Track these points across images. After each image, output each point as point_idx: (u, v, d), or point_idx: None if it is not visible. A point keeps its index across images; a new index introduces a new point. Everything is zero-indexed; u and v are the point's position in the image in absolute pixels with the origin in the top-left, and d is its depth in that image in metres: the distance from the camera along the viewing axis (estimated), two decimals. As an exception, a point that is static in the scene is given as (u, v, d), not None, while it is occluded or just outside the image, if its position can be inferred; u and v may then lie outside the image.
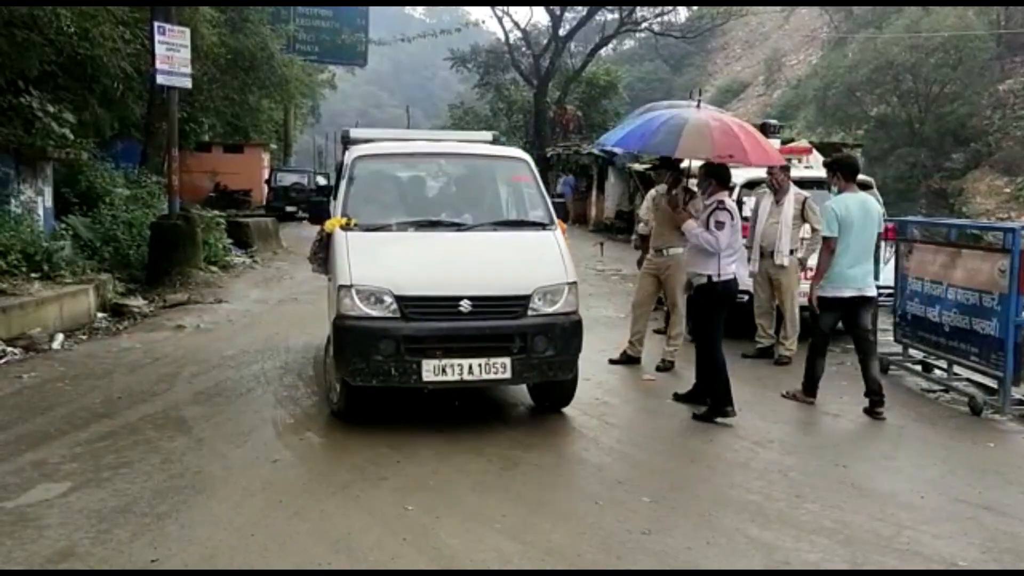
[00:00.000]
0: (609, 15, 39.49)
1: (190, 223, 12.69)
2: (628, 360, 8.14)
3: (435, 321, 5.59)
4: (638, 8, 36.62)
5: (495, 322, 5.65)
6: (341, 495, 4.76)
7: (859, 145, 31.21)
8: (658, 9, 38.24)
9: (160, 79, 12.07)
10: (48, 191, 12.23)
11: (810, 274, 8.75)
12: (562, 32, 36.55)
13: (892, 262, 8.42)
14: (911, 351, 8.18)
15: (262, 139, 29.80)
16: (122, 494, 4.67)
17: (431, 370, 5.49)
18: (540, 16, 39.18)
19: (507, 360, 5.57)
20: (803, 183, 8.76)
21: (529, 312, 5.70)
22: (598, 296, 12.51)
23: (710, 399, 6.44)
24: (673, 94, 57.35)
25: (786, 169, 8.54)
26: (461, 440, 5.76)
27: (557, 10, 36.74)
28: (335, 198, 6.65)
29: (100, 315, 9.69)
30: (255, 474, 5.05)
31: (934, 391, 7.54)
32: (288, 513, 4.47)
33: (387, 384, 5.56)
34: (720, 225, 6.28)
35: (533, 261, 6.03)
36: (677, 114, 6.78)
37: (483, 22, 51.17)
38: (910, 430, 6.41)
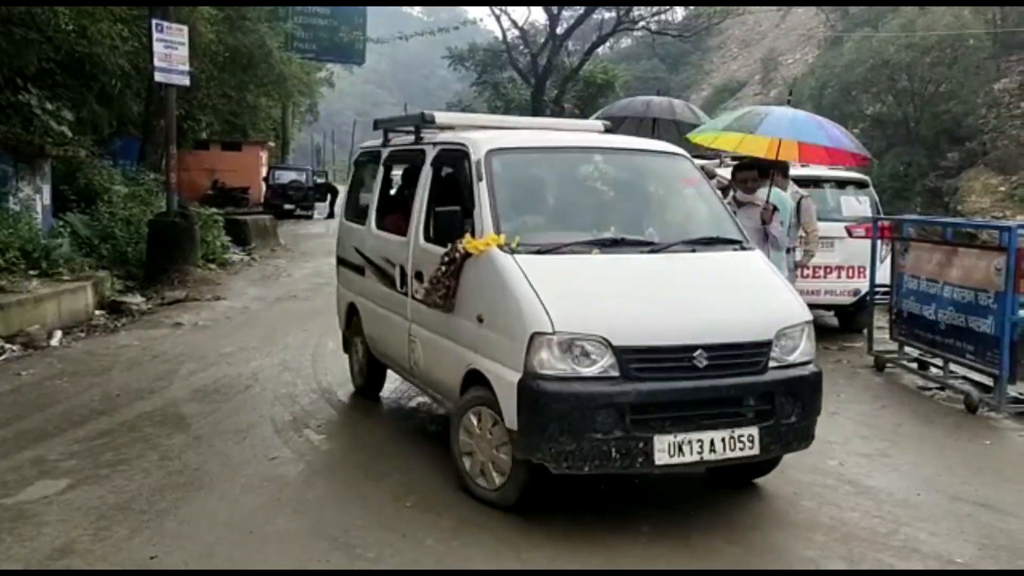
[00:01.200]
0: (607, 14, 39.48)
1: (188, 220, 12.69)
2: None
3: (664, 381, 4.24)
4: (635, 7, 36.61)
5: (736, 379, 4.33)
6: (340, 492, 4.77)
7: (856, 144, 31.17)
8: (655, 8, 38.22)
9: (158, 77, 12.05)
10: (46, 188, 12.22)
11: (806, 272, 8.83)
12: (559, 31, 36.52)
13: (888, 260, 8.43)
14: (907, 349, 8.20)
15: (260, 137, 29.78)
16: (121, 491, 4.68)
17: (665, 449, 4.12)
18: (538, 15, 39.07)
19: (754, 430, 4.28)
20: (799, 182, 8.78)
21: (771, 363, 4.44)
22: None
23: None
24: (670, 93, 57.42)
25: (783, 168, 8.54)
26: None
27: (555, 9, 36.72)
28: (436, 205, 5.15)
29: (98, 312, 9.69)
30: (253, 471, 5.06)
31: (930, 389, 7.56)
32: (287, 510, 4.48)
33: (602, 470, 4.14)
34: (781, 223, 7.08)
35: (760, 294, 4.74)
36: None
37: (481, 20, 51.14)
38: (906, 428, 6.43)
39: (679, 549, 4.15)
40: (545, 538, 4.21)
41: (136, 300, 10.47)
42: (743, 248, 5.01)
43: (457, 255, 4.70)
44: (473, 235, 4.65)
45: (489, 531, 4.29)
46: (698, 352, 4.21)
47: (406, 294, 5.46)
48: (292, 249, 17.57)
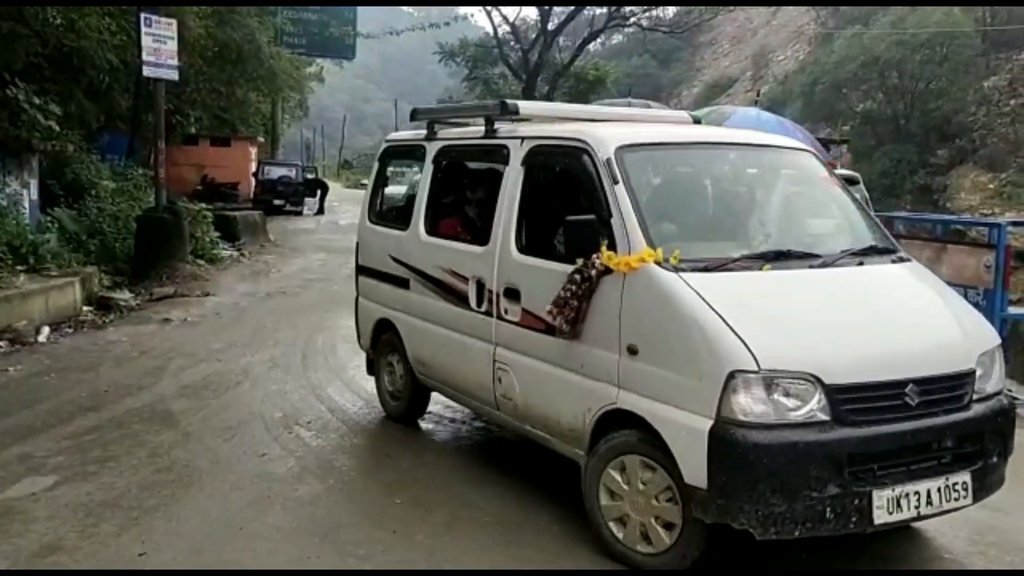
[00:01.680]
0: (598, 10, 39.47)
1: (177, 216, 12.62)
2: None
3: (879, 423, 3.58)
4: (627, 6, 36.65)
5: (945, 417, 3.71)
6: (330, 488, 4.76)
7: (845, 141, 31.31)
8: (646, 4, 38.25)
9: (147, 71, 11.98)
10: (34, 183, 12.14)
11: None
12: (551, 27, 36.51)
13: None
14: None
15: (249, 132, 29.66)
16: (109, 488, 4.65)
17: (883, 505, 3.50)
18: (529, 10, 39.07)
19: (966, 476, 3.72)
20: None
21: (974, 395, 3.84)
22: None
23: None
24: (661, 89, 57.47)
25: None
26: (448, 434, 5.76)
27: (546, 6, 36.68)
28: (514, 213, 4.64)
29: (86, 308, 9.63)
30: (243, 468, 5.04)
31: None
32: (276, 507, 4.47)
33: (813, 534, 3.51)
34: None
35: (951, 314, 4.10)
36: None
37: (472, 16, 51.01)
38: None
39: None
40: (536, 534, 4.20)
41: (124, 296, 10.41)
42: (902, 259, 4.38)
43: (593, 272, 3.91)
44: (612, 248, 3.89)
45: (480, 527, 4.28)
46: (909, 387, 3.60)
47: (488, 313, 4.68)
48: (282, 245, 17.52)
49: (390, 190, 6.68)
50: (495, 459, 5.35)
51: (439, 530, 4.24)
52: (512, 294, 4.52)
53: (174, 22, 12.18)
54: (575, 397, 4.14)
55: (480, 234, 4.97)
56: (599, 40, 48.89)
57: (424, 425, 5.96)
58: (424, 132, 5.68)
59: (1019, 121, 29.14)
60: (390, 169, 6.64)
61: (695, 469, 3.49)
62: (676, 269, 3.73)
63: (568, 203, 4.42)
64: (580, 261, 3.98)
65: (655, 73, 60.07)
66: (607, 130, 4.49)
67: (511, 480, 4.96)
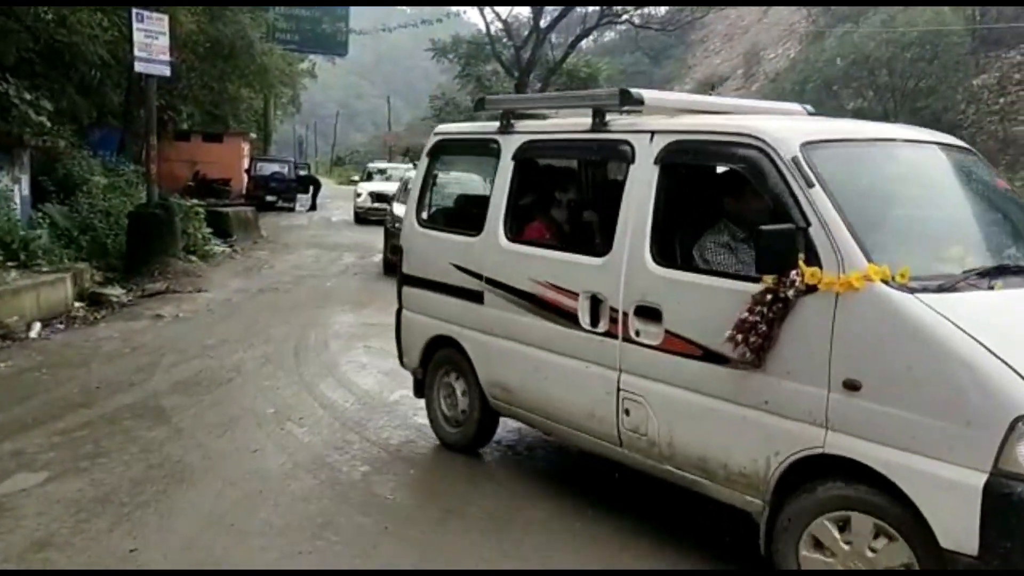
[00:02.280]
0: (590, 8, 39.46)
1: (169, 212, 12.59)
2: None
3: None
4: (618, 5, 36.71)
5: None
6: (322, 484, 4.77)
7: (837, 139, 31.34)
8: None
9: (138, 67, 11.95)
10: (25, 179, 12.10)
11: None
12: (543, 24, 36.49)
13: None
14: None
15: (242, 128, 29.59)
16: (100, 484, 4.66)
17: None
18: (521, 8, 39.04)
19: None
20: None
21: None
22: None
23: None
24: (653, 86, 57.41)
25: None
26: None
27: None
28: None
29: (78, 304, 9.61)
30: (235, 464, 5.04)
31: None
32: (268, 503, 4.48)
33: None
34: None
35: None
36: None
37: (464, 12, 50.98)
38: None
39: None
40: (525, 528, 4.23)
41: (116, 292, 10.39)
42: None
43: (791, 292, 3.31)
44: (811, 263, 3.30)
45: (472, 521, 4.31)
46: None
47: (610, 335, 4.06)
48: (274, 241, 17.49)
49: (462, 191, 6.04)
50: (489, 455, 5.36)
51: (432, 526, 4.26)
52: (647, 313, 3.90)
53: (166, 18, 12.15)
54: (753, 438, 3.52)
55: (589, 243, 4.52)
56: (591, 37, 48.89)
57: (422, 421, 5.97)
58: (495, 124, 5.01)
59: (1008, 119, 29.30)
60: (438, 167, 5.90)
61: (959, 532, 2.93)
62: (907, 289, 3.14)
63: (728, 209, 3.99)
64: (770, 278, 3.36)
65: (647, 70, 60.11)
66: (779, 123, 3.99)
67: (506, 476, 4.99)
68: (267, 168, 26.84)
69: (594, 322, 4.16)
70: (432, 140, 5.72)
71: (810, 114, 5.04)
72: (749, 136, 3.66)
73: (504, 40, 38.30)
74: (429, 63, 49.60)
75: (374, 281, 12.45)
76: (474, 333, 4.98)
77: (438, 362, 5.41)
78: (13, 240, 9.98)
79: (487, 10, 37.27)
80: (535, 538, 4.15)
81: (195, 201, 16.44)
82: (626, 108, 4.35)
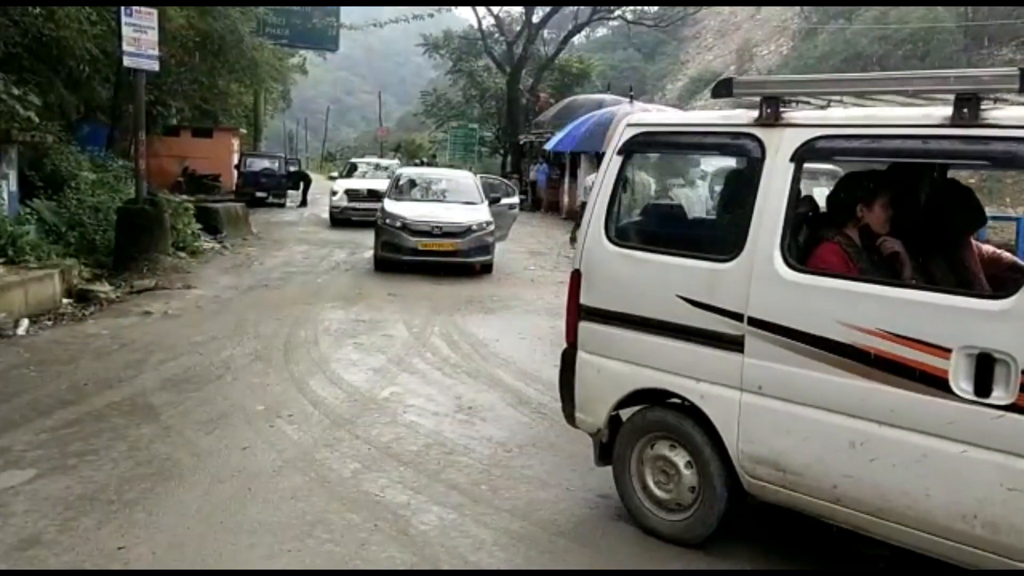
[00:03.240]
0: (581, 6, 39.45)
1: (157, 208, 12.52)
2: None
3: None
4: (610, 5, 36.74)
5: None
6: (311, 482, 4.75)
7: (828, 135, 31.49)
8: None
9: (127, 61, 11.87)
10: (12, 175, 12.01)
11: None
12: (535, 19, 36.45)
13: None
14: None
15: (232, 123, 29.48)
16: (88, 481, 4.63)
17: None
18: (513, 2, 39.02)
19: None
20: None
21: None
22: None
23: None
24: (646, 83, 57.53)
25: None
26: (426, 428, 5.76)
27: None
28: None
29: (66, 301, 9.55)
30: (224, 461, 5.02)
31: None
32: (258, 500, 4.46)
33: None
34: None
35: None
36: (603, 113, 7.34)
37: (455, 7, 50.81)
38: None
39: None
40: (532, 528, 4.22)
41: (105, 288, 10.32)
42: None
43: None
44: None
45: (466, 514, 4.29)
46: None
47: (1019, 409, 3.06)
48: (264, 237, 17.41)
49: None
50: (484, 454, 5.35)
51: (424, 524, 4.25)
52: None
53: (155, 12, 12.05)
54: None
55: (961, 279, 3.78)
56: (583, 33, 48.87)
57: (412, 418, 5.95)
58: (745, 115, 3.94)
59: (999, 116, 29.38)
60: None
61: None
62: None
63: None
64: None
65: (640, 67, 60.16)
66: None
67: (501, 473, 4.98)
68: (257, 164, 26.71)
69: (982, 390, 3.13)
70: (623, 133, 4.41)
71: None
72: None
73: (496, 36, 38.27)
74: (420, 58, 49.58)
75: (365, 277, 12.42)
76: (722, 390, 3.85)
77: (642, 424, 4.28)
78: (1, 236, 9.91)
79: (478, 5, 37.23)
80: (539, 537, 4.14)
81: (184, 197, 16.37)
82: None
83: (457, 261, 12.69)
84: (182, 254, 13.18)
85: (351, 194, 20.40)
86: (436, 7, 35.85)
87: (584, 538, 4.15)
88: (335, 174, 27.45)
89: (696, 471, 4.01)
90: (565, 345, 4.52)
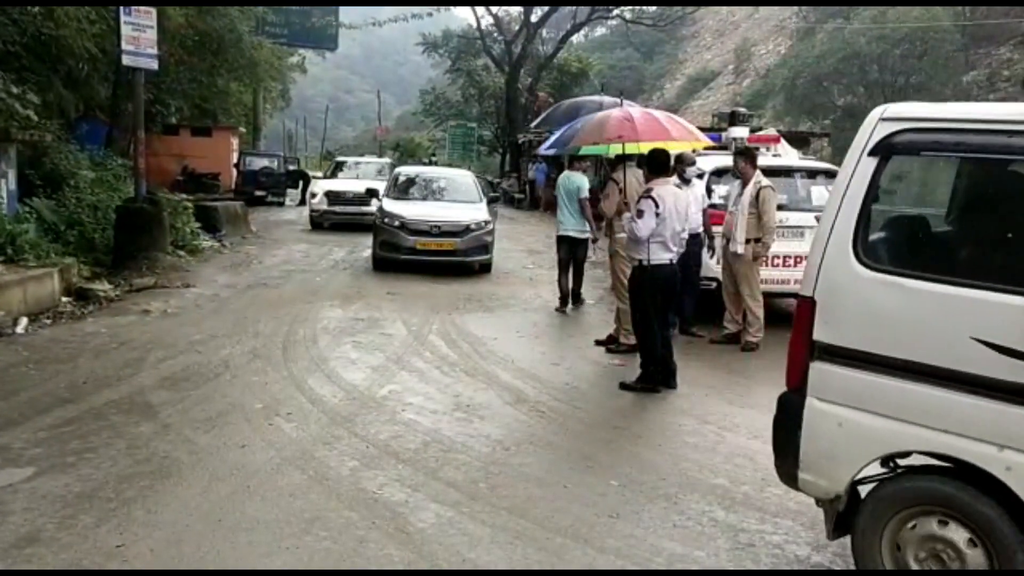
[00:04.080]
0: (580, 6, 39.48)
1: (157, 206, 12.53)
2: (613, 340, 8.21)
3: None
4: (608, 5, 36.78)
5: None
6: (310, 480, 4.76)
7: (826, 135, 31.53)
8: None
9: (126, 60, 11.87)
10: (12, 173, 12.00)
11: (777, 261, 8.92)
12: (534, 18, 36.46)
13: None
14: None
15: (231, 122, 29.46)
16: (87, 479, 4.64)
17: None
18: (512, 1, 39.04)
19: None
20: (769, 172, 8.84)
21: None
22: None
23: (641, 374, 6.89)
24: (644, 82, 57.58)
25: (750, 157, 8.63)
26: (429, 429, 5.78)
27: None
28: None
29: (65, 299, 9.55)
30: (223, 459, 5.03)
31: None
32: (256, 498, 4.47)
33: None
34: (640, 214, 6.66)
35: None
36: (591, 115, 7.57)
37: (454, 7, 50.82)
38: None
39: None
40: (532, 528, 4.23)
41: (104, 287, 10.32)
42: None
43: None
44: None
45: (463, 512, 4.30)
46: None
47: None
48: (263, 236, 17.42)
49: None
50: (482, 452, 5.36)
51: (422, 522, 4.26)
52: None
53: (153, 11, 12.05)
54: None
55: None
56: (582, 32, 48.89)
57: (411, 417, 5.97)
58: None
59: (997, 116, 29.37)
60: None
61: None
62: None
63: None
64: None
65: (638, 66, 60.20)
66: None
67: (498, 471, 4.99)
68: (256, 162, 26.73)
69: None
70: (877, 129, 3.60)
71: None
72: None
73: (494, 35, 38.28)
74: (419, 57, 49.57)
75: (363, 276, 12.44)
76: None
77: (900, 495, 3.44)
78: (0, 234, 9.91)
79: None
80: (541, 538, 4.15)
81: (183, 196, 16.35)
82: None
83: (456, 260, 12.64)
84: (181, 253, 13.18)
85: (332, 197, 18.89)
86: (435, 7, 35.86)
87: (581, 536, 4.16)
88: (319, 174, 25.76)
89: (984, 550, 3.17)
90: (785, 389, 3.73)
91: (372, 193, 15.73)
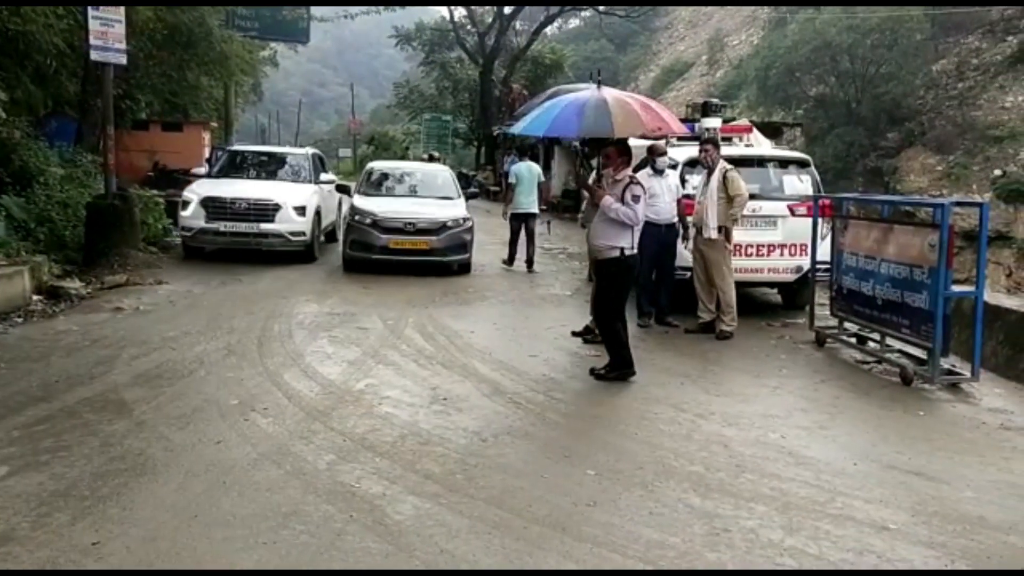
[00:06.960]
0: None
1: (127, 203, 12.40)
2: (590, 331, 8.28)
3: None
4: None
5: None
6: (287, 474, 4.75)
7: (798, 124, 31.77)
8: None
9: (94, 55, 11.73)
10: (-21, 171, 11.86)
11: (750, 250, 9.00)
12: (507, 10, 36.41)
13: (829, 238, 8.62)
14: (846, 324, 8.41)
15: (202, 117, 29.17)
16: (61, 478, 4.60)
17: None
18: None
19: None
20: (742, 161, 8.93)
21: None
22: (545, 275, 12.68)
23: (611, 363, 6.95)
24: (619, 73, 57.62)
25: (715, 145, 8.75)
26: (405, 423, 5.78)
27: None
28: None
29: (36, 298, 9.44)
30: (198, 455, 5.00)
31: (868, 363, 7.77)
32: (232, 493, 4.45)
33: None
34: (636, 199, 6.69)
35: None
36: (577, 96, 7.33)
37: (427, -1, 50.58)
38: (844, 401, 6.61)
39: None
40: (518, 522, 4.25)
41: (75, 285, 10.22)
42: None
43: None
44: None
45: (441, 503, 4.32)
46: None
47: None
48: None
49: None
50: (460, 444, 5.38)
51: (399, 514, 4.27)
52: None
53: (121, 7, 11.93)
54: None
55: None
56: (556, 24, 48.83)
57: (388, 410, 5.97)
58: None
59: (966, 104, 29.76)
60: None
61: None
62: None
63: None
64: None
65: (612, 57, 60.22)
66: None
67: (476, 462, 5.00)
68: (229, 158, 26.40)
69: None
70: None
71: None
72: None
73: (468, 27, 38.19)
74: (393, 50, 49.35)
75: (338, 271, 12.39)
76: None
77: None
78: (-32, 233, 9.79)
79: (450, -3, 37.11)
80: (529, 534, 4.17)
81: (155, 192, 16.19)
82: None
83: (432, 260, 12.08)
84: (153, 249, 13.07)
85: (213, 208, 12.45)
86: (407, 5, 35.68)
87: (559, 525, 4.19)
88: (201, 170, 15.13)
89: None
90: None
91: (263, 210, 12.33)
